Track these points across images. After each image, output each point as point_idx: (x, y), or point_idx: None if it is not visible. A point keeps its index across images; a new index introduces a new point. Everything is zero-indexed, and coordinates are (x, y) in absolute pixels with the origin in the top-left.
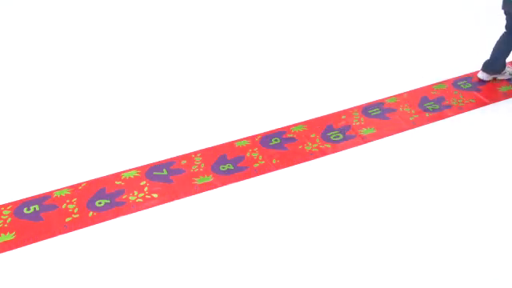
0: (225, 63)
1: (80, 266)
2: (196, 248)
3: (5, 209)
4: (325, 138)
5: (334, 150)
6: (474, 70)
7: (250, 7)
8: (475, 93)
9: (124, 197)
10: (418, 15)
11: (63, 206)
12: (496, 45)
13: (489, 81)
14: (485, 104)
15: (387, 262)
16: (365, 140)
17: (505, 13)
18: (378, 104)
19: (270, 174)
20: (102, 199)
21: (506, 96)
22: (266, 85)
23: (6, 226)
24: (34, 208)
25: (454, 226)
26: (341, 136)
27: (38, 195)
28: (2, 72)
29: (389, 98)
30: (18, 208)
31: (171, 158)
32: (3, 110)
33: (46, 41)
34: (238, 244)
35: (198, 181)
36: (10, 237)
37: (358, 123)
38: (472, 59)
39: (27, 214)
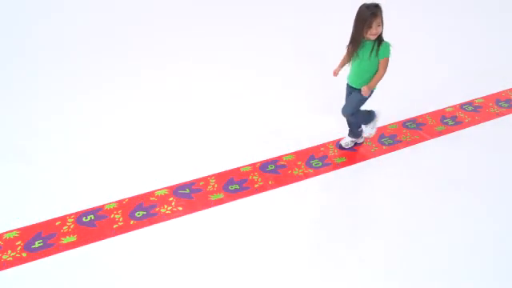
0: (232, 112)
1: (123, 261)
2: (211, 248)
3: (69, 218)
4: (308, 164)
5: (315, 174)
6: (418, 114)
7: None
8: (418, 131)
9: (157, 209)
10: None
11: (111, 216)
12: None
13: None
14: (426, 139)
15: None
16: (338, 166)
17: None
18: None
19: (267, 192)
20: (140, 211)
21: (441, 133)
22: (264, 126)
23: (69, 230)
24: (91, 217)
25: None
26: (320, 163)
27: (93, 207)
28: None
29: None
30: (79, 217)
31: (192, 180)
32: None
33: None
34: (242, 245)
35: (213, 197)
36: (72, 238)
37: (333, 154)
38: (415, 104)
39: (85, 221)
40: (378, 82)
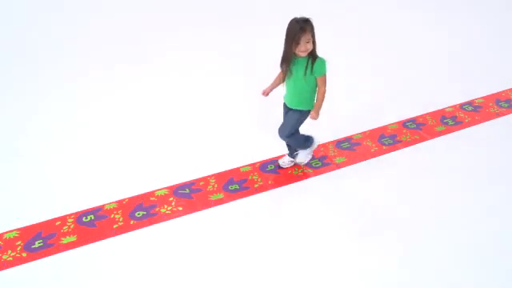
0: (232, 112)
1: (123, 261)
2: (211, 248)
3: (69, 217)
4: (308, 164)
5: (315, 174)
6: (418, 114)
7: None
8: (418, 131)
9: (157, 209)
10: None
11: (111, 216)
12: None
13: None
14: (426, 139)
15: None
16: (338, 166)
17: None
18: (348, 139)
19: (267, 192)
20: (140, 211)
21: (441, 133)
22: (263, 126)
23: (69, 230)
24: (91, 217)
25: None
26: (320, 163)
27: (93, 207)
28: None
29: (355, 134)
30: (79, 217)
31: (192, 180)
32: (65, 144)
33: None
34: (242, 245)
35: (213, 197)
36: (72, 238)
37: (332, 154)
38: (415, 105)
39: (85, 221)
40: (323, 100)
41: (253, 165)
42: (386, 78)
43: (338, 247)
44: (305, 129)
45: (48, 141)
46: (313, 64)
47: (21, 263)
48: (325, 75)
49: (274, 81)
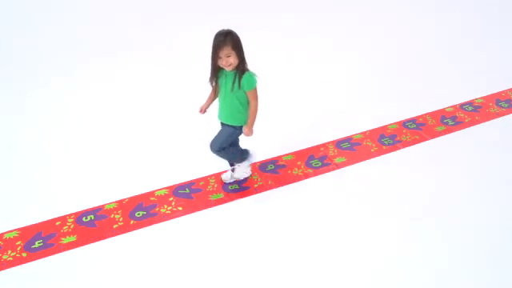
0: None
1: (123, 261)
2: (211, 248)
3: (69, 218)
4: (308, 164)
5: (315, 174)
6: (418, 114)
7: None
8: (418, 131)
9: (156, 209)
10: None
11: (111, 216)
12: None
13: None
14: (426, 139)
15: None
16: (338, 166)
17: None
18: (348, 139)
19: (266, 192)
20: (140, 211)
21: (441, 134)
22: (262, 125)
23: (69, 230)
24: (91, 217)
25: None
26: (320, 163)
27: (93, 207)
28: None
29: (355, 134)
30: (79, 217)
31: (192, 180)
32: (64, 144)
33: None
34: (242, 245)
35: (213, 197)
36: (72, 238)
37: (332, 154)
38: (415, 105)
39: (85, 221)
40: (255, 116)
41: (253, 165)
42: (386, 78)
43: (338, 247)
44: (305, 128)
45: (48, 141)
46: (240, 78)
47: (21, 263)
48: (255, 89)
49: (209, 96)
